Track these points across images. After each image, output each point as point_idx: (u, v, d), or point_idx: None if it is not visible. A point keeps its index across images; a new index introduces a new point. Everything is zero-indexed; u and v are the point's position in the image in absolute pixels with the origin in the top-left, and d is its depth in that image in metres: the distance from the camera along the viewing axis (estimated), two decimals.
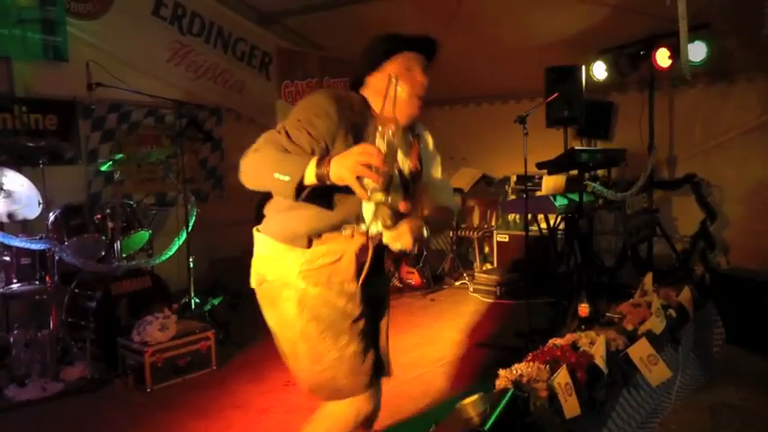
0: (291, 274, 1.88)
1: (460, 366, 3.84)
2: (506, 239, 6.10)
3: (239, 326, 4.47)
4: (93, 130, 5.13)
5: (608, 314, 3.13)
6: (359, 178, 1.57)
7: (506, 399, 1.96)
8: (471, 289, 5.77)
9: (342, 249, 1.88)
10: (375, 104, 1.90)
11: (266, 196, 1.95)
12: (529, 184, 5.27)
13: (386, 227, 1.82)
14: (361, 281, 1.91)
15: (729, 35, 4.81)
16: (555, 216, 4.88)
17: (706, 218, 5.40)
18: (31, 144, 4.07)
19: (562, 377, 2.12)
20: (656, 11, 3.83)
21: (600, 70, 5.59)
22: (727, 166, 5.53)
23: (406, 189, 1.91)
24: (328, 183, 1.62)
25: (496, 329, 4.62)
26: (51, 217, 4.01)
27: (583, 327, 2.94)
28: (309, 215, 1.84)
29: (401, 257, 5.77)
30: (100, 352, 3.78)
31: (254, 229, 2.03)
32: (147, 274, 4.14)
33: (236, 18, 6.05)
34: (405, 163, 1.94)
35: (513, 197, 6.31)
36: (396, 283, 5.90)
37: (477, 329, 4.64)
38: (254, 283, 2.00)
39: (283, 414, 3.20)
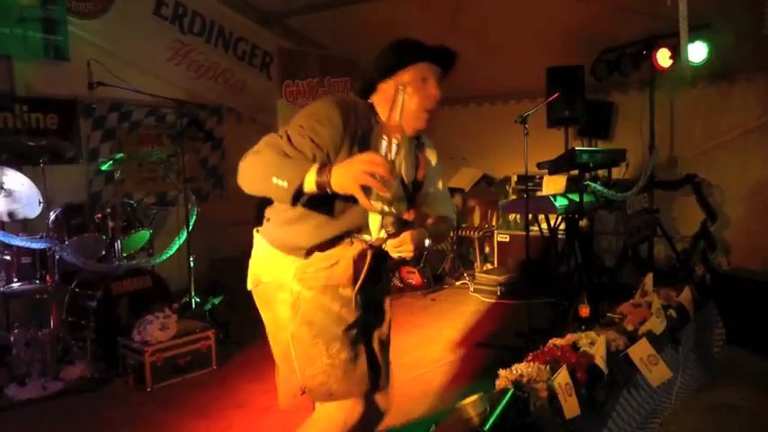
0: (287, 277, 1.87)
1: (460, 366, 3.84)
2: (507, 239, 6.10)
3: (239, 325, 4.47)
4: (93, 129, 5.14)
5: (608, 314, 3.13)
6: (363, 187, 1.53)
7: (506, 399, 1.96)
8: (472, 289, 5.77)
9: (339, 254, 1.86)
10: (383, 112, 1.86)
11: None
12: (529, 184, 5.27)
13: (388, 234, 1.81)
14: (357, 287, 1.88)
15: (730, 35, 4.81)
16: (555, 216, 4.88)
17: (707, 218, 5.40)
18: (31, 143, 4.07)
19: (562, 377, 2.12)
20: (657, 11, 3.82)
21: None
22: (728, 166, 5.52)
23: (409, 199, 1.90)
24: (329, 191, 1.59)
25: (497, 329, 4.62)
26: (52, 216, 4.02)
27: (583, 327, 2.94)
28: (311, 229, 1.81)
29: (400, 263, 5.78)
30: (100, 351, 3.78)
31: (255, 229, 2.02)
32: (147, 274, 4.14)
33: (237, 18, 6.05)
34: (409, 172, 1.93)
35: (513, 197, 6.30)
36: (396, 282, 5.90)
37: (478, 329, 4.64)
38: (250, 284, 2.00)
39: (284, 413, 3.16)
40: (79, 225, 4.05)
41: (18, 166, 3.98)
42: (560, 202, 4.36)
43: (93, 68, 4.15)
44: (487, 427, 1.83)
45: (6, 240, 3.68)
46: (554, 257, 5.02)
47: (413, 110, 1.82)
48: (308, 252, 1.86)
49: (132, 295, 3.99)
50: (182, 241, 4.46)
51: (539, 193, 5.33)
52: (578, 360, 2.32)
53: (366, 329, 1.97)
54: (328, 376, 1.83)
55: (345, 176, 1.54)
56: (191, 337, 3.74)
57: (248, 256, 2.02)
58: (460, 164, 6.71)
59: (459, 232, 6.49)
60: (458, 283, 6.09)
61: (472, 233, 6.45)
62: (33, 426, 3.19)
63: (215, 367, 3.83)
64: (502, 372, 2.15)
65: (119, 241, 4.08)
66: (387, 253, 1.87)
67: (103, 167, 4.30)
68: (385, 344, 2.08)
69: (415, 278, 5.86)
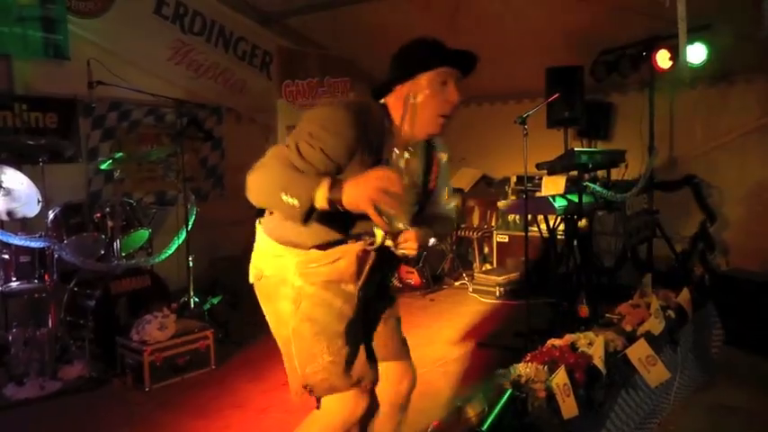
0: (289, 272, 1.85)
1: (459, 367, 3.84)
2: (506, 240, 6.11)
3: (238, 325, 4.47)
4: (93, 128, 5.14)
5: (607, 315, 3.13)
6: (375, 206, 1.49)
7: (504, 399, 1.96)
8: (471, 289, 5.77)
9: (342, 250, 1.84)
10: (396, 115, 1.81)
11: None
12: (529, 184, 5.27)
13: (393, 234, 1.81)
14: (361, 283, 1.87)
15: (729, 37, 4.81)
16: (555, 217, 4.88)
17: (706, 219, 5.40)
18: (31, 142, 4.06)
19: (560, 378, 2.12)
20: (657, 12, 3.82)
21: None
22: (727, 167, 5.53)
23: (420, 207, 1.90)
24: (340, 209, 1.53)
25: (496, 330, 4.62)
26: (51, 215, 4.01)
27: (582, 327, 2.94)
28: (315, 230, 1.78)
29: (402, 260, 5.77)
30: (99, 351, 3.78)
31: (257, 221, 2.00)
32: (146, 273, 4.14)
33: (237, 17, 6.06)
34: (422, 179, 1.92)
35: (512, 197, 6.30)
36: (396, 282, 5.90)
37: (477, 330, 4.64)
38: (252, 277, 1.98)
39: (282, 413, 3.19)
40: (78, 224, 4.05)
41: (17, 164, 3.97)
42: (559, 203, 4.36)
43: (93, 68, 4.14)
44: (485, 427, 1.83)
45: (5, 239, 3.68)
46: (553, 258, 5.01)
47: (428, 115, 1.77)
48: (310, 249, 1.85)
49: (131, 295, 3.98)
50: (181, 241, 4.46)
51: (538, 194, 5.33)
52: (577, 360, 2.32)
53: (375, 314, 1.98)
54: (329, 373, 1.82)
55: (358, 194, 1.50)
56: (189, 337, 3.73)
57: (248, 255, 2.01)
58: (460, 164, 6.71)
59: (459, 232, 6.48)
60: (457, 284, 6.09)
61: (471, 233, 6.45)
62: (31, 425, 3.19)
63: (214, 367, 3.83)
64: (500, 372, 2.16)
65: (118, 240, 4.08)
66: (389, 249, 1.86)
67: (103, 167, 4.29)
68: (398, 321, 2.10)
69: (413, 278, 5.86)
